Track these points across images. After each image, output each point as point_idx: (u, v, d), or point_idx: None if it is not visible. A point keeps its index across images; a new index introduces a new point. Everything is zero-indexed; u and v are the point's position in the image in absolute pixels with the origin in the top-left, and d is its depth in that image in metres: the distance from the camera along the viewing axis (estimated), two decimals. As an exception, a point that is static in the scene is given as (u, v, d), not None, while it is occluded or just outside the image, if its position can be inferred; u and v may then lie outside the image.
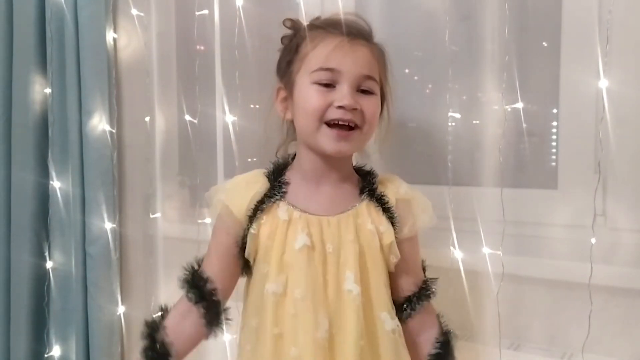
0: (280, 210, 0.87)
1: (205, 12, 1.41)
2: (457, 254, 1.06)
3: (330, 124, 0.83)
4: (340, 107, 0.82)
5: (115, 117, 1.44)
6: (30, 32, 1.47)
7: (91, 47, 1.39)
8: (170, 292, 1.49)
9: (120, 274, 1.46)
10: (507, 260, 0.99)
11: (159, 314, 0.96)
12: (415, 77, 1.29)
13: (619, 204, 1.01)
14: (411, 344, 0.91)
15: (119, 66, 1.47)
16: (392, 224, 0.87)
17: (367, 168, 0.95)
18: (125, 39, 1.47)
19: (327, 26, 0.87)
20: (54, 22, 1.43)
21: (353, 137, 0.84)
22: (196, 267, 0.94)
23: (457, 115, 1.12)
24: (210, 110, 1.41)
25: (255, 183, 0.90)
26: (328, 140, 0.83)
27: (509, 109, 1.03)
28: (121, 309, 1.45)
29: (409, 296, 0.91)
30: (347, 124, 0.83)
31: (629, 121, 0.98)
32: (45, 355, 1.51)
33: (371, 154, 0.98)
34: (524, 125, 1.07)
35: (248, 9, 1.25)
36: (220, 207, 0.91)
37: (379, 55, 0.89)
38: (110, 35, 1.43)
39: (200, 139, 1.45)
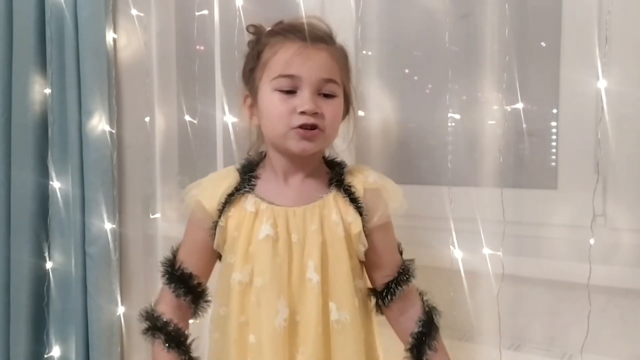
0: (248, 203, 0.90)
1: (205, 12, 1.41)
2: (457, 254, 1.06)
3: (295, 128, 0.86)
4: (302, 112, 0.84)
5: (115, 117, 1.44)
6: (30, 32, 1.47)
7: (91, 47, 1.38)
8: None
9: (120, 274, 1.46)
10: (507, 260, 0.99)
11: (146, 311, 0.98)
12: (415, 77, 1.30)
13: (618, 204, 1.01)
14: (395, 324, 0.94)
15: (119, 66, 1.47)
16: (360, 213, 0.89)
17: (337, 160, 0.97)
18: (125, 39, 1.47)
19: (285, 32, 0.89)
20: (54, 22, 1.43)
21: (316, 137, 0.87)
22: (174, 259, 0.97)
23: (457, 116, 1.12)
24: (210, 111, 1.41)
25: (226, 178, 0.94)
26: (294, 141, 0.86)
27: (509, 109, 1.03)
28: (121, 309, 1.45)
29: (388, 282, 0.92)
30: (310, 127, 0.86)
31: (628, 121, 0.98)
32: (45, 356, 1.51)
33: (338, 149, 1.00)
34: (524, 125, 1.07)
35: (248, 9, 1.25)
36: (193, 202, 0.95)
37: (340, 57, 0.91)
38: (110, 36, 1.43)
39: (200, 139, 1.45)
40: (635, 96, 0.97)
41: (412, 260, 0.95)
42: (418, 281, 1.15)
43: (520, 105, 1.03)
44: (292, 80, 0.85)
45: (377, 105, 1.25)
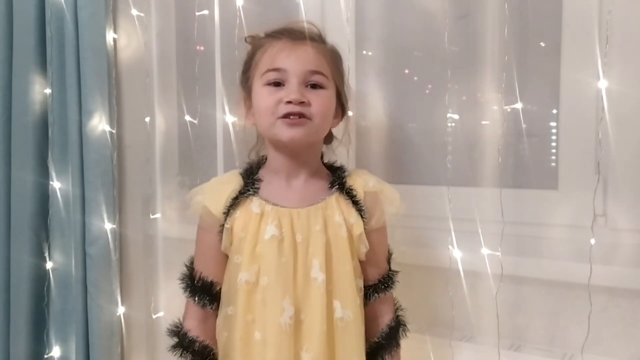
0: (254, 205, 0.92)
1: (205, 12, 1.42)
2: (456, 254, 1.06)
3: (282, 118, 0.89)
4: (288, 102, 0.87)
5: (115, 117, 1.44)
6: (30, 32, 1.47)
7: (91, 47, 1.38)
8: (170, 292, 1.50)
9: (120, 275, 1.46)
10: (507, 260, 0.99)
11: (175, 327, 0.98)
12: (415, 78, 1.29)
13: (619, 204, 1.01)
14: (367, 328, 0.96)
15: (119, 66, 1.47)
16: (361, 216, 0.92)
17: (338, 164, 1.00)
18: (125, 39, 1.47)
19: (275, 33, 0.94)
20: (54, 22, 1.43)
21: (305, 125, 0.88)
22: (192, 272, 0.98)
23: (456, 116, 1.12)
24: (210, 111, 1.41)
25: (230, 182, 0.96)
26: (282, 130, 0.88)
27: (509, 110, 1.03)
28: (121, 310, 1.45)
29: (371, 285, 0.96)
30: (297, 116, 0.88)
31: (628, 121, 0.98)
32: (45, 356, 1.51)
33: (336, 150, 1.03)
34: (524, 125, 1.07)
35: (248, 9, 1.25)
36: (200, 208, 0.96)
37: (328, 54, 0.94)
38: (110, 36, 1.43)
39: (200, 139, 1.45)
40: (636, 96, 0.97)
41: (396, 272, 0.98)
42: (416, 281, 1.15)
43: (519, 105, 1.02)
44: (279, 73, 0.89)
45: (376, 105, 1.25)
